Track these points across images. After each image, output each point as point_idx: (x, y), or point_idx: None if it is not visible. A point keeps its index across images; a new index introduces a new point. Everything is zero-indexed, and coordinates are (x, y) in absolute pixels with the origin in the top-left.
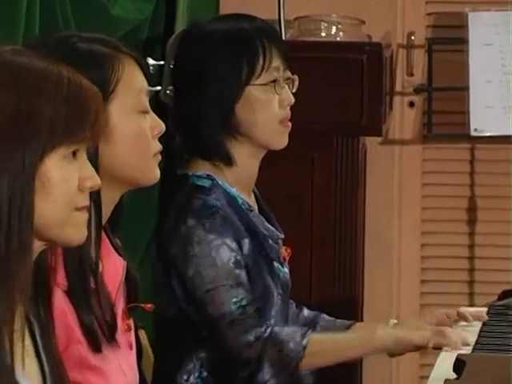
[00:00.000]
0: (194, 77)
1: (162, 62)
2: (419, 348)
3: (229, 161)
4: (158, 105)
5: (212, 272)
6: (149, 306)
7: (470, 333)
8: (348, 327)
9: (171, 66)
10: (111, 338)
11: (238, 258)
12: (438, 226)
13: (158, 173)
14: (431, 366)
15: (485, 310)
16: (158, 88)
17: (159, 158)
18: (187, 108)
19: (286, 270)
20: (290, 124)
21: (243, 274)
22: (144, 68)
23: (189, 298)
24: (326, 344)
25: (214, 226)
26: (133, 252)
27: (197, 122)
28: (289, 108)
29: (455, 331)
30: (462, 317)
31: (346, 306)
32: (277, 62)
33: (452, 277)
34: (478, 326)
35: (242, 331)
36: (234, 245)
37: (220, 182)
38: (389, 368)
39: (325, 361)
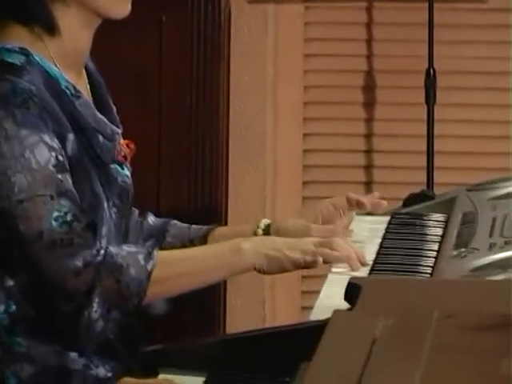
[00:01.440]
0: None
1: None
2: (300, 267)
3: (51, 26)
4: None
5: (26, 178)
6: None
7: (366, 249)
8: (206, 234)
9: None
10: None
11: (61, 159)
12: (325, 111)
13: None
14: (315, 293)
15: (386, 219)
16: None
17: None
18: None
19: (127, 172)
20: None
21: (68, 181)
22: None
23: None
24: (177, 266)
25: (27, 118)
26: None
27: None
28: None
29: (346, 240)
30: (354, 204)
31: (205, 215)
32: None
33: (344, 176)
34: (375, 241)
35: (67, 255)
36: (54, 142)
37: (37, 59)
38: (261, 294)
39: (177, 288)
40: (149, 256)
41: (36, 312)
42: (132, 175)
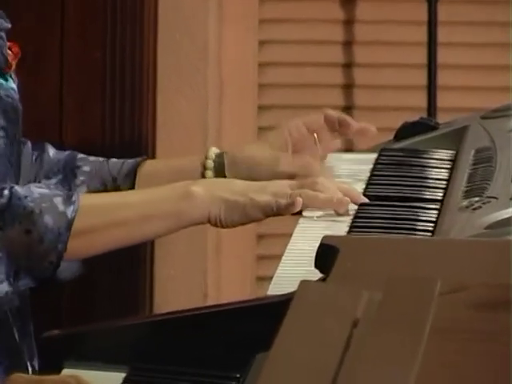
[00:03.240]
0: None
1: None
2: (272, 213)
3: None
4: None
5: None
6: None
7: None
8: (133, 170)
9: None
10: None
11: None
12: (287, 8)
13: None
14: (275, 258)
15: (372, 157)
16: None
17: None
18: None
19: (13, 84)
20: None
21: None
22: None
23: None
24: (107, 213)
25: None
26: None
27: None
28: None
29: (331, 179)
30: (334, 124)
31: (125, 152)
32: None
33: (314, 99)
34: (358, 187)
35: None
36: None
37: None
38: (202, 261)
39: (106, 243)
40: (69, 200)
41: None
42: (19, 89)
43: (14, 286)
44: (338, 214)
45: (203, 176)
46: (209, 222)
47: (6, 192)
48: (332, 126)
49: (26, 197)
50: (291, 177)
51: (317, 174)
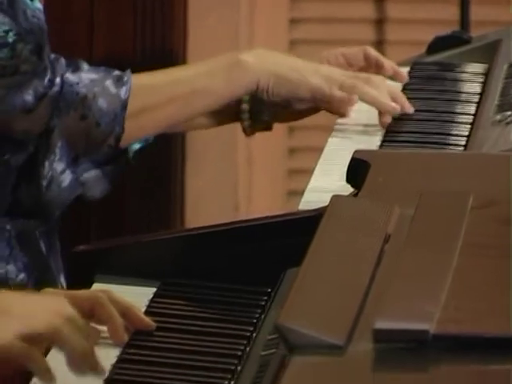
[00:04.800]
0: None
1: None
2: (321, 100)
3: None
4: None
5: None
6: None
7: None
8: None
9: None
10: None
11: None
12: None
13: None
14: (307, 172)
15: (405, 70)
16: None
17: None
18: None
19: (39, 4)
20: None
21: None
22: None
23: None
24: (161, 90)
25: None
26: None
27: None
28: None
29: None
30: (372, 63)
31: (156, 62)
32: None
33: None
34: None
35: (11, 87)
36: None
37: None
38: (233, 173)
39: (162, 120)
40: (120, 81)
41: None
42: (45, 10)
43: (76, 173)
44: (381, 124)
45: None
46: (256, 92)
47: (58, 80)
48: (369, 64)
49: (77, 83)
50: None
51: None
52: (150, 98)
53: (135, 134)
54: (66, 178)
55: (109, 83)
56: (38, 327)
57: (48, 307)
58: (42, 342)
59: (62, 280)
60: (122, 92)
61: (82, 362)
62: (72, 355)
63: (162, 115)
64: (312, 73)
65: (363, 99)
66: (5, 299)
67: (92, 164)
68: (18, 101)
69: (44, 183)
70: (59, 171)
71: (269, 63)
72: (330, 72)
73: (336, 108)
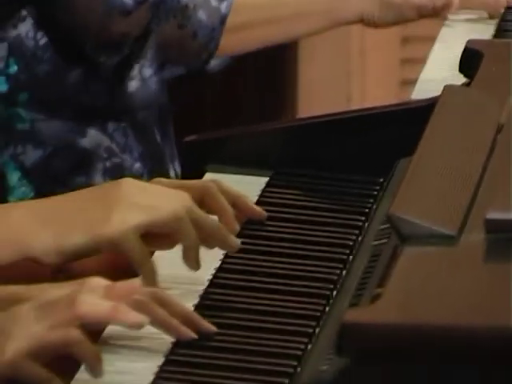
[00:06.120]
0: None
1: None
2: (428, 13)
3: None
4: None
5: None
6: None
7: None
8: None
9: None
10: None
11: None
12: None
13: None
14: (419, 61)
15: None
16: None
17: None
18: None
19: None
20: None
21: None
22: None
23: None
24: (261, 10)
25: None
26: None
27: None
28: None
29: None
30: None
31: None
32: None
33: None
34: None
35: None
36: None
37: None
38: (346, 63)
39: (258, 39)
40: None
41: (46, 73)
42: None
43: (159, 74)
44: (489, 17)
45: None
46: (361, 21)
47: None
48: None
49: None
50: None
51: None
52: (250, 16)
53: (232, 49)
54: (153, 83)
55: None
56: (163, 217)
57: (171, 198)
58: (163, 232)
59: (176, 169)
60: (223, 6)
61: (197, 254)
62: (189, 246)
63: (260, 34)
64: None
65: (468, 6)
66: (128, 188)
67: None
68: (117, 3)
69: (132, 85)
70: (147, 76)
71: None
72: None
73: (441, 16)
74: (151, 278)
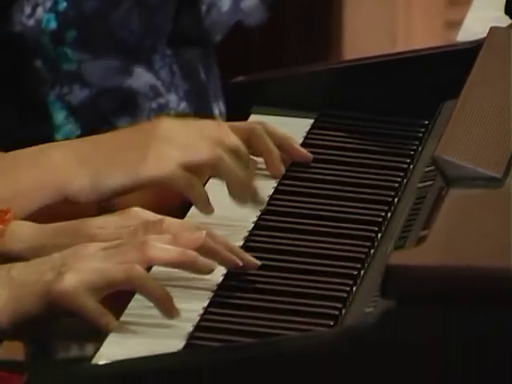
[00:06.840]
0: None
1: None
2: None
3: None
4: None
5: None
6: None
7: None
8: None
9: None
10: None
11: None
12: None
13: None
14: (466, 3)
15: None
16: None
17: None
18: None
19: None
20: None
21: None
22: None
23: None
24: None
25: None
26: None
27: None
28: None
29: None
30: None
31: None
32: None
33: None
34: None
35: None
36: None
37: None
38: (391, 7)
39: None
40: None
41: (93, 10)
42: None
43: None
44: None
45: None
46: None
47: None
48: None
49: None
50: None
51: None
52: None
53: None
54: (226, 3)
55: None
56: (200, 156)
57: (210, 135)
58: (203, 171)
59: (220, 108)
60: None
61: (243, 190)
62: (233, 183)
63: None
64: None
65: None
66: (166, 127)
67: None
68: None
69: (204, 8)
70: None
71: None
72: None
73: None
74: (203, 203)
